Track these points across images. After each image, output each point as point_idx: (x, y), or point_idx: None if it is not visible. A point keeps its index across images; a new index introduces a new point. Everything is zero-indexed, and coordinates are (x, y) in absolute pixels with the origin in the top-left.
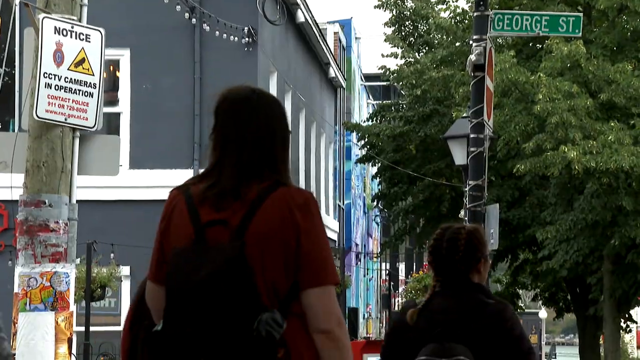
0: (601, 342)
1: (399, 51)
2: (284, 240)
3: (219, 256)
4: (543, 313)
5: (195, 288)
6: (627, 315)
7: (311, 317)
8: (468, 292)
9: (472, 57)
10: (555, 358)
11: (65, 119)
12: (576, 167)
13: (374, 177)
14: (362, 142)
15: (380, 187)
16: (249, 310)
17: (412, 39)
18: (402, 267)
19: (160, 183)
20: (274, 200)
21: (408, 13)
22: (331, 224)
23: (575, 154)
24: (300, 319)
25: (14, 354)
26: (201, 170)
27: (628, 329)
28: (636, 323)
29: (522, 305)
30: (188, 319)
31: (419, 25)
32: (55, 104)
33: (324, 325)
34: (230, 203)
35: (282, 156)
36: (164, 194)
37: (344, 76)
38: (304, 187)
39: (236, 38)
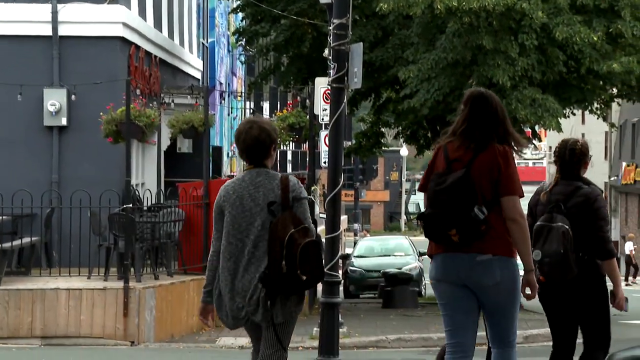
0: None
1: None
2: (491, 170)
3: (454, 176)
4: (404, 151)
5: (442, 190)
6: None
7: (505, 211)
8: (574, 181)
9: None
10: (415, 194)
11: None
12: (439, 7)
13: (233, 10)
14: None
15: (243, 23)
16: (469, 203)
17: None
18: (266, 105)
19: (17, 18)
20: (488, 149)
21: None
22: (194, 62)
23: None
24: (498, 212)
25: None
26: (59, 6)
27: None
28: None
29: (384, 143)
30: (439, 206)
31: None
32: None
33: (512, 216)
34: (467, 150)
35: (503, 128)
36: (22, 29)
37: None
38: (165, 28)
39: None
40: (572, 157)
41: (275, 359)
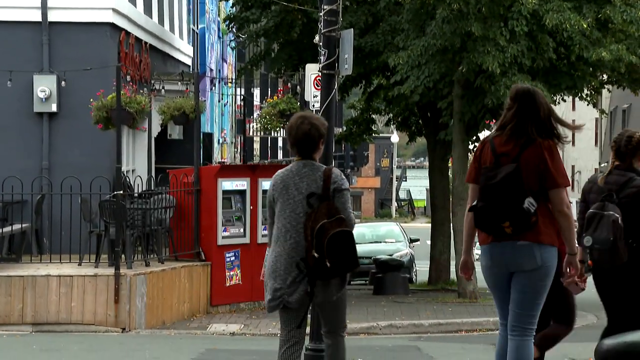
0: (449, 164)
1: None
2: (537, 164)
3: (505, 170)
4: (395, 137)
5: (493, 185)
6: (474, 138)
7: (553, 203)
8: (628, 171)
9: None
10: (406, 180)
11: None
12: None
13: None
14: None
15: (233, 9)
16: (519, 196)
17: None
18: (257, 92)
19: (7, 3)
20: (534, 145)
21: None
22: (185, 48)
23: None
24: (546, 204)
25: None
26: None
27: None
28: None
29: (375, 129)
30: (491, 199)
31: None
32: None
33: (559, 208)
34: (514, 145)
35: (549, 124)
36: (11, 15)
37: None
38: (156, 14)
39: None
40: (627, 146)
41: (338, 339)
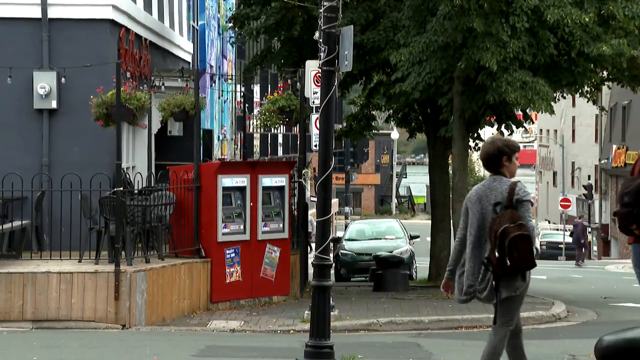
0: (449, 161)
1: None
2: None
3: (638, 181)
4: (395, 134)
5: (627, 193)
6: (475, 135)
7: None
8: None
9: None
10: (406, 177)
11: None
12: None
13: None
14: None
15: (233, 10)
16: None
17: None
18: (256, 89)
19: (7, 0)
20: None
21: None
22: (185, 45)
23: None
24: None
25: None
26: None
27: (477, 148)
28: (484, 142)
29: (375, 126)
30: (624, 205)
31: None
32: None
33: None
34: None
35: None
36: (11, 11)
37: None
38: (155, 11)
39: None
40: None
41: (499, 330)
